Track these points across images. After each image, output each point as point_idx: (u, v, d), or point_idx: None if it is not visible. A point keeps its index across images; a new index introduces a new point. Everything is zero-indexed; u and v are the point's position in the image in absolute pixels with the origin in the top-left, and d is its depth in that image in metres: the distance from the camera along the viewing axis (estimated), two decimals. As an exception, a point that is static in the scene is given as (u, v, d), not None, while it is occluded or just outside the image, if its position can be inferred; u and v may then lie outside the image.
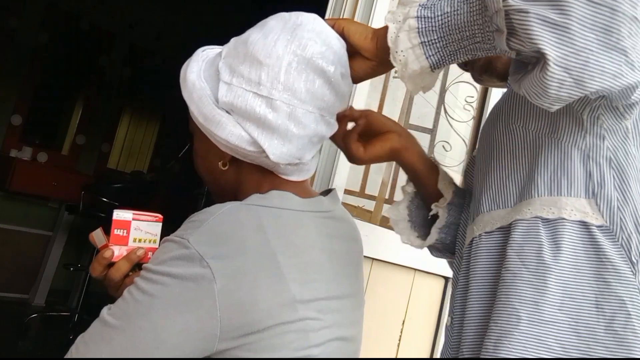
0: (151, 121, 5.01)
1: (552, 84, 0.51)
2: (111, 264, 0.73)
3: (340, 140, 0.83)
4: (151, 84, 4.76)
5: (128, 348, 0.58)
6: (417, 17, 0.60)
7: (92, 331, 0.62)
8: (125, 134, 4.79)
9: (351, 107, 0.83)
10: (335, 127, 0.74)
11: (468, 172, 0.92)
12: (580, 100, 0.63)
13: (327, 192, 0.81)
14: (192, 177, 4.25)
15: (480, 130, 0.82)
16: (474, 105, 2.24)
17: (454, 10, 0.58)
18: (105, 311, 0.62)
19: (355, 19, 1.63)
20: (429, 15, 0.60)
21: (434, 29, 0.60)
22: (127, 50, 4.57)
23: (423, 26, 0.60)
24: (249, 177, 0.74)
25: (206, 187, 3.40)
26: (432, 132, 2.06)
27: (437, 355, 2.07)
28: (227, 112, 0.69)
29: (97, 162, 4.49)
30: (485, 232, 0.71)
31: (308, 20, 0.70)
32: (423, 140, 2.04)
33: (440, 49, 0.60)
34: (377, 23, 1.65)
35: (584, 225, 0.63)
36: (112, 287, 0.73)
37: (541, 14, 0.49)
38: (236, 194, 0.74)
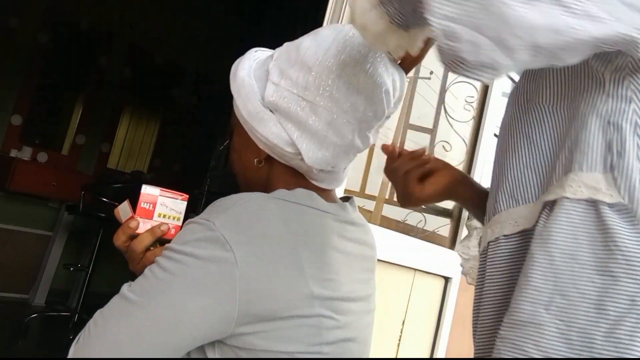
0: (151, 121, 5.01)
1: (457, 49, 0.43)
2: (134, 237, 0.74)
3: (401, 178, 0.80)
4: (151, 84, 4.76)
5: (147, 324, 0.59)
6: None
7: (111, 306, 0.63)
8: (125, 134, 4.79)
9: (422, 150, 0.80)
10: (370, 142, 0.76)
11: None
12: (599, 56, 0.54)
13: (345, 198, 0.83)
14: (192, 177, 4.21)
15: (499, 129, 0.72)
16: (474, 105, 2.25)
17: None
18: (125, 287, 0.63)
19: (355, 19, 1.62)
20: None
21: None
22: (127, 50, 4.57)
23: None
24: (280, 177, 0.75)
25: (206, 187, 3.41)
26: (432, 132, 2.07)
27: (437, 355, 2.07)
28: (271, 111, 0.71)
29: (97, 162, 4.49)
30: (504, 236, 0.60)
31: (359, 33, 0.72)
32: (423, 140, 2.05)
33: (399, 8, 0.54)
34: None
35: (591, 204, 0.51)
36: (133, 259, 0.74)
37: None
38: (264, 191, 0.75)
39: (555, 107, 0.59)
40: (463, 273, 0.88)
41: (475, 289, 0.67)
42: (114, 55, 4.48)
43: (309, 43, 0.71)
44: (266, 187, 0.76)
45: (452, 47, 0.43)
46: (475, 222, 0.86)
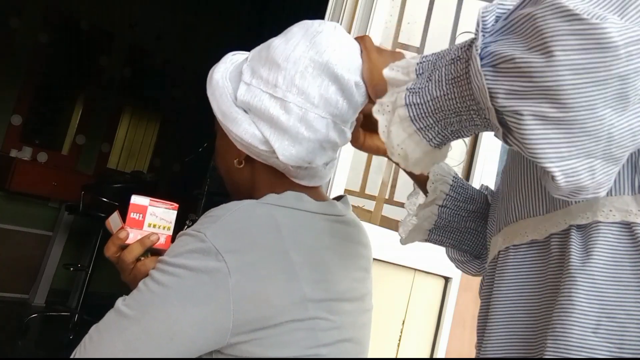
0: (151, 121, 5.01)
1: (577, 181, 0.43)
2: (124, 248, 0.74)
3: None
4: (151, 84, 4.77)
5: (142, 338, 0.59)
6: (406, 104, 0.53)
7: (106, 321, 0.63)
8: (125, 134, 4.79)
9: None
10: (348, 136, 0.75)
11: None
12: None
13: (339, 197, 0.83)
14: (192, 177, 4.22)
15: None
16: (474, 105, 2.24)
17: (444, 94, 0.50)
18: (120, 302, 0.63)
19: (355, 20, 1.62)
20: (418, 101, 0.52)
21: (427, 114, 0.52)
22: (127, 50, 4.57)
23: (415, 113, 0.53)
24: (263, 177, 0.75)
25: (206, 187, 3.41)
26: (432, 132, 2.06)
27: (437, 355, 2.07)
28: (244, 111, 0.71)
29: (97, 162, 4.49)
30: (514, 245, 0.62)
31: (329, 28, 0.72)
32: (423, 140, 2.04)
33: (440, 131, 0.53)
34: (376, 23, 1.65)
35: (625, 226, 0.52)
36: (124, 269, 0.74)
37: (538, 113, 0.42)
38: (251, 194, 0.75)
39: None
40: (400, 226, 0.91)
41: (482, 297, 0.67)
42: (114, 55, 4.48)
43: (278, 41, 0.72)
44: (252, 188, 0.76)
45: (573, 181, 0.44)
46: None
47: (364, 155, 1.83)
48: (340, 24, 1.61)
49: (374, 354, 1.81)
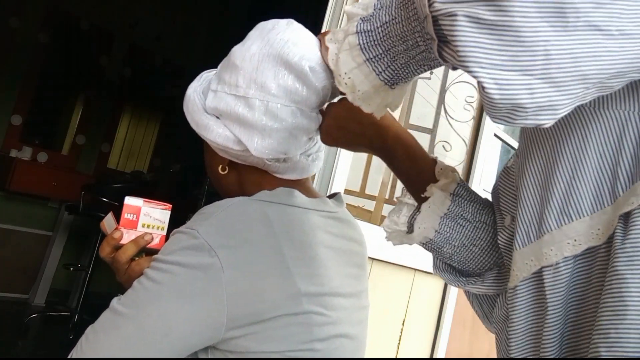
0: (151, 121, 5.01)
1: (513, 95, 0.41)
2: (118, 248, 0.75)
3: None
4: (151, 84, 4.77)
5: (137, 336, 0.60)
6: (358, 32, 0.53)
7: (102, 320, 0.63)
8: (125, 134, 4.79)
9: None
10: (319, 120, 0.76)
11: (501, 190, 0.71)
12: None
13: (332, 195, 0.84)
14: (192, 177, 4.21)
15: (519, 137, 0.65)
16: (474, 105, 2.25)
17: (393, 19, 0.50)
18: (115, 301, 0.64)
19: (355, 19, 1.62)
20: (369, 28, 0.52)
21: (376, 42, 0.52)
22: (127, 50, 4.57)
23: (365, 41, 0.53)
24: (248, 179, 0.77)
25: (206, 187, 3.41)
26: (432, 132, 2.07)
27: (437, 355, 2.07)
28: (216, 117, 0.74)
29: (97, 162, 4.49)
30: (564, 258, 0.52)
31: (282, 24, 0.75)
32: (423, 140, 2.05)
33: (389, 63, 0.52)
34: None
35: None
36: (119, 269, 0.75)
37: (472, 15, 0.40)
38: (243, 196, 0.76)
39: (600, 109, 0.52)
40: (388, 239, 0.79)
41: (500, 329, 0.58)
42: (114, 55, 4.48)
43: (238, 47, 0.75)
44: (241, 192, 0.78)
45: (508, 95, 0.41)
46: (407, 199, 0.78)
47: (364, 155, 1.84)
48: (341, 24, 1.62)
49: (374, 354, 1.81)
